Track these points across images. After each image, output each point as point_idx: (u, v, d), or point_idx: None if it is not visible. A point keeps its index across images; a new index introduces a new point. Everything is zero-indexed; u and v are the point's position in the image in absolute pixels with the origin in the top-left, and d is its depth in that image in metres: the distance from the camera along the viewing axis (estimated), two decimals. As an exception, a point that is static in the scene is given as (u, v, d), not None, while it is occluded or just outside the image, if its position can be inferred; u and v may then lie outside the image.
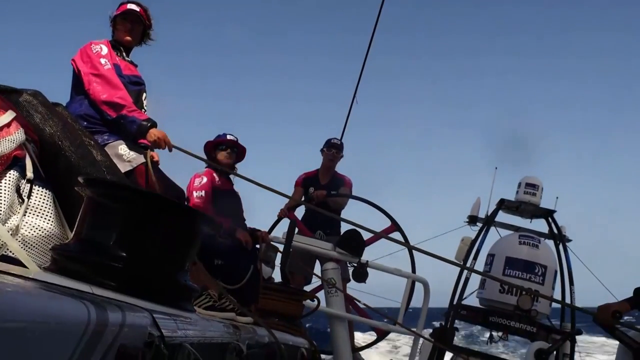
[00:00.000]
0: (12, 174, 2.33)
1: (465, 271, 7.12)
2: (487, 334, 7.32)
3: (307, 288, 6.56)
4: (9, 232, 2.28)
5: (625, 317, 3.75)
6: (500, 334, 7.07)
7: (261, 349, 2.94)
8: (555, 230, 7.54)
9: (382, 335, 6.84)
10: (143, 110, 3.94)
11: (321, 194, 6.52)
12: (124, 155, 3.55)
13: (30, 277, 1.88)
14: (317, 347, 4.74)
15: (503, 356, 9.05)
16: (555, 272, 7.22)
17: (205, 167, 4.94)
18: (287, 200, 6.67)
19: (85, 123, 3.52)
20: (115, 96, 3.61)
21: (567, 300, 7.26)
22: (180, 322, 1.91)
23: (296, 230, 6.25)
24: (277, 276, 5.63)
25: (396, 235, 6.27)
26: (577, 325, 7.19)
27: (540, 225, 7.78)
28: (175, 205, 2.17)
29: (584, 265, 7.54)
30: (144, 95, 4.00)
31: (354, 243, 5.81)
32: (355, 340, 7.00)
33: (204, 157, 4.88)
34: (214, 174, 4.90)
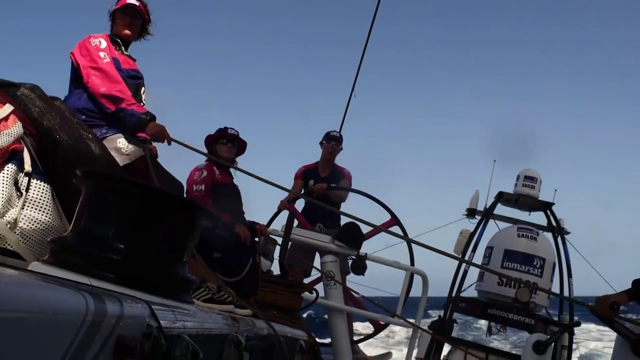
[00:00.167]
0: (10, 167, 2.34)
1: (464, 264, 7.15)
2: (480, 321, 7.37)
3: (307, 281, 6.58)
4: (7, 225, 2.29)
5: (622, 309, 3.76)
6: (498, 326, 7.10)
7: (260, 341, 2.95)
8: (554, 223, 7.56)
9: (381, 327, 6.86)
10: (142, 104, 3.94)
11: (321, 187, 6.52)
12: (122, 149, 3.56)
13: (29, 269, 1.89)
14: (315, 339, 4.75)
15: (500, 347, 9.08)
16: (554, 264, 7.24)
17: (206, 161, 4.94)
18: (294, 187, 6.70)
19: (83, 117, 3.52)
20: (114, 89, 3.60)
21: (566, 292, 7.30)
22: (178, 313, 1.92)
23: (296, 222, 6.27)
24: (276, 269, 5.65)
25: (395, 228, 6.28)
26: (574, 315, 7.23)
27: (539, 217, 7.81)
28: (174, 198, 2.17)
29: (583, 257, 7.57)
30: (143, 89, 4.00)
31: (352, 236, 5.82)
32: (354, 329, 7.02)
33: (203, 150, 4.88)
34: (214, 168, 4.90)
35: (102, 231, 1.94)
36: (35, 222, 2.38)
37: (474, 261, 7.26)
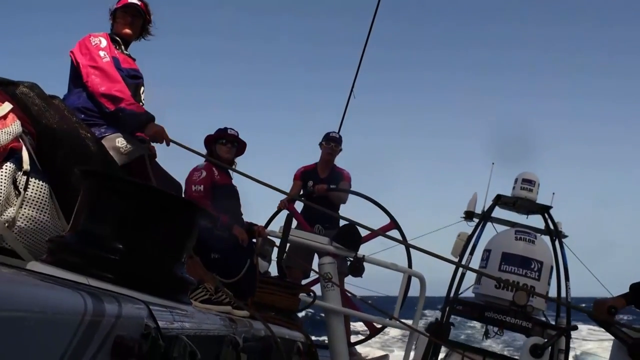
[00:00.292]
0: (8, 166, 2.33)
1: (461, 267, 7.15)
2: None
3: (305, 282, 6.58)
4: (5, 224, 2.29)
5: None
6: (495, 329, 7.10)
7: (257, 342, 2.95)
8: (552, 226, 7.57)
9: (377, 330, 6.86)
10: (141, 103, 3.93)
11: (322, 188, 6.52)
12: (121, 148, 3.55)
13: (27, 268, 1.89)
14: (313, 340, 4.75)
15: (492, 346, 9.09)
16: (551, 267, 7.26)
17: (205, 161, 4.94)
18: (293, 188, 6.70)
19: (82, 116, 3.52)
20: (114, 89, 3.60)
21: (563, 295, 7.30)
22: (176, 314, 1.92)
23: (295, 223, 6.26)
24: (273, 270, 5.64)
25: (394, 231, 6.29)
26: (572, 318, 7.24)
27: (537, 221, 7.82)
28: (173, 199, 2.17)
29: (580, 261, 7.59)
30: (142, 88, 3.99)
31: (350, 237, 5.82)
32: (354, 329, 7.02)
33: (201, 151, 4.88)
34: (213, 168, 4.90)
35: (101, 231, 1.93)
36: (33, 221, 2.37)
37: (471, 263, 7.27)
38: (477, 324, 8.55)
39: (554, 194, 7.83)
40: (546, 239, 7.57)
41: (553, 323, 7.27)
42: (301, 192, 6.78)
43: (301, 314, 6.84)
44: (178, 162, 4.33)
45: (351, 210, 6.77)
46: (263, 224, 6.12)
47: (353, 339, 6.91)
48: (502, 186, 7.91)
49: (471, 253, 7.40)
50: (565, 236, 7.61)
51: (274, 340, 3.06)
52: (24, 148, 2.43)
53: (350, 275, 6.16)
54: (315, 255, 6.18)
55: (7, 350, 1.10)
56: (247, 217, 5.03)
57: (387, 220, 6.38)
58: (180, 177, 4.63)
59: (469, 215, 7.72)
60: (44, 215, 2.42)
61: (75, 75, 3.68)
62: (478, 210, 7.72)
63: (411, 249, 6.23)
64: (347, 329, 6.24)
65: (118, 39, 3.88)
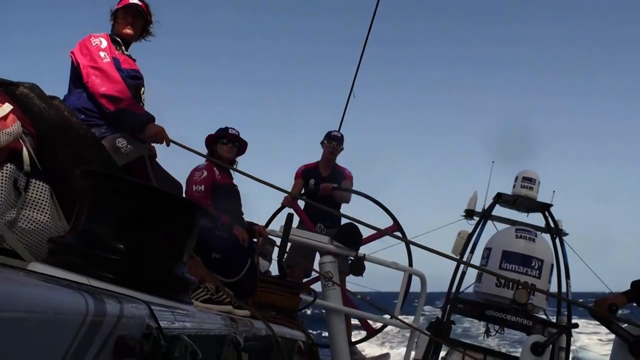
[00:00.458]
0: (9, 167, 2.33)
1: (462, 265, 7.15)
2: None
3: (305, 281, 6.58)
4: (6, 225, 2.29)
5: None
6: (496, 327, 7.11)
7: (258, 342, 2.95)
8: (552, 224, 7.57)
9: (375, 331, 6.88)
10: (141, 104, 3.93)
11: (327, 187, 6.52)
12: (121, 149, 3.55)
13: (28, 269, 1.89)
14: (314, 339, 4.75)
15: (497, 348, 9.10)
16: (552, 265, 7.26)
17: (206, 161, 4.94)
18: (295, 186, 6.70)
19: (82, 116, 3.52)
20: (114, 90, 3.60)
21: (563, 293, 7.31)
22: (177, 314, 1.92)
23: (296, 222, 6.27)
24: (274, 270, 5.64)
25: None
26: (572, 315, 7.24)
27: (537, 219, 7.83)
28: (174, 198, 2.17)
29: (580, 258, 7.59)
30: (143, 89, 3.99)
31: (351, 236, 5.82)
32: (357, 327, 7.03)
33: (202, 151, 4.88)
34: (214, 168, 4.90)
35: (101, 231, 1.93)
36: (34, 222, 2.38)
37: (472, 262, 7.27)
38: (471, 320, 8.57)
39: (554, 192, 7.84)
40: (547, 237, 7.57)
41: (554, 321, 7.28)
42: (302, 191, 6.78)
43: (308, 311, 6.84)
44: (179, 162, 4.34)
45: (352, 209, 6.78)
46: (263, 224, 6.13)
47: (354, 337, 6.92)
48: (502, 184, 7.92)
49: (472, 251, 7.40)
50: (566, 234, 7.61)
51: (275, 340, 3.07)
52: (24, 149, 2.43)
53: (351, 274, 6.17)
54: (317, 254, 6.19)
55: (8, 351, 1.10)
56: (247, 217, 5.04)
57: (388, 219, 6.39)
58: (181, 177, 4.64)
59: (469, 214, 7.72)
60: (45, 216, 2.42)
61: (76, 76, 3.68)
62: (478, 209, 7.72)
63: (412, 247, 6.25)
64: (348, 328, 6.24)
65: (118, 39, 3.88)
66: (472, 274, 7.45)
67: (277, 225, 6.24)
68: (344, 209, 6.70)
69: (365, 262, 5.90)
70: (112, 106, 3.58)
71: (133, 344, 1.47)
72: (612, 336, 3.94)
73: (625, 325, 3.82)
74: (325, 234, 6.24)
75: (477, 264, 7.43)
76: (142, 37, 4.05)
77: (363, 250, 5.99)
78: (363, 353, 7.17)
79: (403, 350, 6.83)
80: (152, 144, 3.82)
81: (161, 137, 3.71)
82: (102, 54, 3.66)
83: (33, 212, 2.39)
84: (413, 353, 6.69)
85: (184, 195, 4.44)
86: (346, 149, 6.91)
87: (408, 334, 6.62)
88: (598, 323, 4.01)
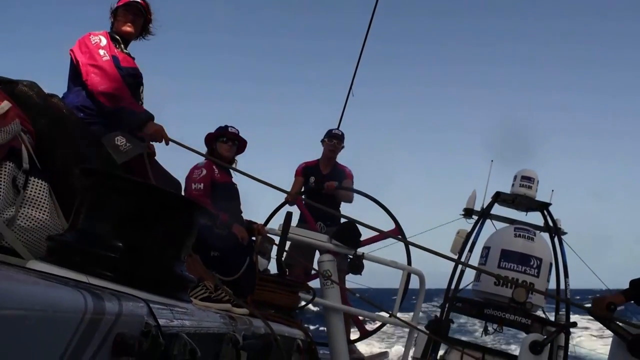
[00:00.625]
0: (8, 165, 2.33)
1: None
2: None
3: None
4: (5, 223, 2.29)
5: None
6: (495, 326, 7.12)
7: (257, 340, 2.95)
8: (551, 223, 7.58)
9: (368, 332, 6.87)
10: (140, 102, 3.93)
11: (332, 185, 6.52)
12: (120, 147, 3.55)
13: (27, 267, 1.89)
14: (313, 338, 4.76)
15: (492, 344, 9.11)
16: (551, 264, 7.26)
17: (205, 159, 4.94)
18: (295, 184, 6.69)
19: (81, 114, 3.52)
20: (113, 88, 3.60)
21: (562, 292, 7.31)
22: (176, 312, 1.92)
23: (296, 221, 6.26)
24: (273, 268, 5.64)
25: (394, 229, 6.29)
26: (571, 313, 7.25)
27: (536, 218, 7.83)
28: (173, 197, 2.17)
29: (579, 257, 7.60)
30: (142, 87, 3.99)
31: (350, 235, 5.82)
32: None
33: (201, 149, 4.88)
34: (214, 166, 4.90)
35: (100, 229, 1.94)
36: (33, 220, 2.38)
37: (471, 261, 7.28)
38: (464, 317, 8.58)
39: (553, 191, 7.84)
40: (545, 236, 7.58)
41: (552, 319, 7.29)
42: (302, 189, 6.78)
43: (314, 308, 6.84)
44: (178, 160, 4.34)
45: (351, 208, 6.78)
46: (262, 222, 6.12)
47: (353, 335, 6.92)
48: (501, 183, 7.92)
49: (470, 250, 7.40)
50: (565, 233, 7.61)
51: (273, 338, 3.07)
52: (23, 147, 2.43)
53: (350, 273, 6.18)
54: (317, 253, 6.19)
55: (7, 349, 1.10)
56: (246, 215, 5.04)
57: (387, 218, 6.38)
58: (180, 175, 4.64)
59: (468, 213, 7.73)
60: (44, 214, 2.42)
61: (75, 74, 3.68)
62: (477, 208, 7.72)
63: (411, 246, 6.25)
64: (347, 326, 6.24)
65: (118, 37, 3.88)
66: (470, 273, 7.46)
67: (276, 223, 6.24)
68: (345, 207, 6.71)
69: (364, 261, 5.90)
70: (111, 104, 3.58)
71: (132, 342, 1.47)
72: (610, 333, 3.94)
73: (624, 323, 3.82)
74: (325, 232, 6.24)
75: (476, 262, 7.44)
76: (142, 35, 4.05)
77: (362, 247, 5.99)
78: (362, 351, 7.18)
79: (402, 348, 6.84)
80: (151, 142, 3.82)
81: (160, 135, 3.71)
82: (101, 52, 3.66)
83: (32, 210, 2.40)
84: (412, 351, 6.70)
85: (183, 194, 4.44)
86: (346, 146, 6.92)
87: (407, 332, 6.63)
88: (591, 318, 4.03)
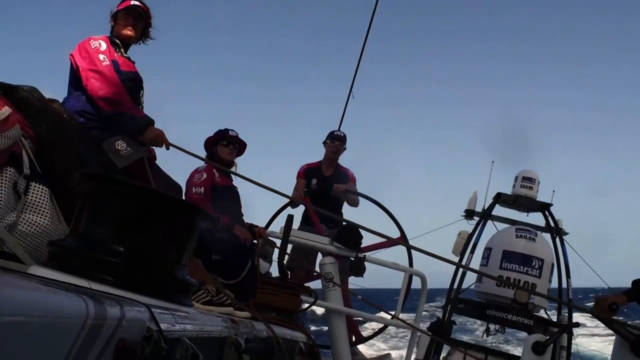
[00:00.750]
0: (9, 171, 2.33)
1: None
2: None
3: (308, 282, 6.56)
4: (6, 228, 2.29)
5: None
6: (497, 326, 7.11)
7: (259, 343, 2.95)
8: (552, 224, 7.57)
9: (363, 339, 6.85)
10: (140, 107, 3.93)
11: (341, 188, 6.51)
12: (121, 151, 3.55)
13: (28, 272, 1.89)
14: (315, 340, 4.75)
15: (490, 343, 9.09)
16: (552, 265, 7.26)
17: (206, 162, 4.95)
18: (297, 185, 6.69)
19: (82, 119, 3.52)
20: (113, 93, 3.60)
21: (564, 292, 7.31)
22: (178, 316, 1.92)
23: (300, 221, 6.25)
24: (274, 271, 5.64)
25: (394, 229, 6.29)
26: (573, 313, 7.25)
27: (537, 218, 7.83)
28: (174, 201, 2.17)
29: (581, 258, 7.60)
30: (142, 92, 3.99)
31: (351, 237, 5.81)
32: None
33: (199, 153, 4.88)
34: (214, 170, 4.90)
35: (102, 234, 1.93)
36: (34, 225, 2.37)
37: (472, 262, 7.28)
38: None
39: (554, 191, 7.85)
40: (547, 236, 7.57)
41: (554, 320, 7.28)
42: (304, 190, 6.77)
43: (320, 311, 6.84)
44: (178, 164, 4.34)
45: (351, 210, 6.77)
46: (263, 225, 6.12)
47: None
48: (502, 184, 7.93)
49: (472, 251, 7.40)
50: (566, 233, 7.61)
51: (276, 341, 3.07)
52: (24, 152, 2.43)
53: (351, 275, 6.16)
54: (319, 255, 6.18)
55: (9, 355, 1.10)
56: (247, 218, 5.04)
57: (390, 222, 6.37)
58: (181, 179, 4.64)
59: (469, 214, 7.73)
60: (45, 219, 2.42)
61: (75, 79, 3.68)
62: (478, 209, 7.72)
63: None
64: (350, 328, 6.23)
65: (118, 41, 3.88)
66: (472, 274, 7.45)
67: (277, 226, 6.24)
68: (346, 210, 6.71)
69: (366, 263, 5.89)
70: (111, 109, 3.58)
71: (134, 347, 1.47)
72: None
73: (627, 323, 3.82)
74: (327, 235, 6.23)
75: (478, 263, 7.44)
76: (142, 39, 4.05)
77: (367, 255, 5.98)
78: (365, 353, 7.16)
79: (404, 350, 6.82)
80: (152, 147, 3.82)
81: (161, 140, 3.71)
82: (101, 56, 3.66)
83: (33, 215, 2.39)
84: (414, 353, 6.69)
85: (183, 198, 4.44)
86: (347, 146, 6.91)
87: (409, 334, 6.62)
88: (590, 315, 4.02)
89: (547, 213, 7.67)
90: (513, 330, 7.42)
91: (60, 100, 3.46)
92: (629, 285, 3.77)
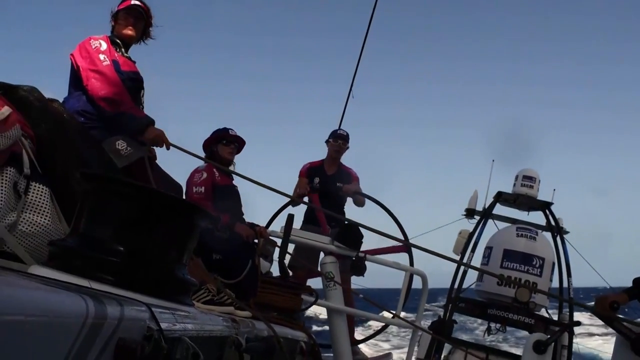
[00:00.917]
0: (9, 171, 2.33)
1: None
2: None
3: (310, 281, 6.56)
4: (6, 228, 2.29)
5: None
6: (498, 325, 7.11)
7: (260, 343, 2.95)
8: (553, 222, 7.57)
9: (357, 342, 6.85)
10: (141, 107, 3.93)
11: (349, 189, 6.51)
12: (121, 151, 3.55)
13: (28, 272, 1.89)
14: (316, 340, 4.75)
15: (492, 343, 9.10)
16: (553, 264, 7.26)
17: (206, 162, 4.95)
18: (299, 184, 6.68)
19: (82, 119, 3.52)
20: (114, 93, 3.60)
21: (565, 291, 7.31)
22: (178, 316, 1.92)
23: (302, 221, 6.24)
24: (275, 270, 5.64)
25: (394, 229, 6.29)
26: (574, 312, 7.25)
27: (538, 217, 7.83)
28: (174, 200, 2.17)
29: (582, 256, 7.59)
30: (142, 91, 3.99)
31: (352, 236, 5.81)
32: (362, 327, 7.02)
33: (199, 152, 4.88)
34: (214, 169, 4.91)
35: (102, 233, 1.93)
36: (34, 225, 2.37)
37: (473, 261, 7.28)
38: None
39: (554, 190, 7.84)
40: (547, 235, 7.57)
41: (555, 319, 7.27)
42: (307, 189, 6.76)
43: (323, 315, 6.84)
44: (178, 163, 4.34)
45: (351, 209, 6.77)
46: (264, 224, 6.12)
47: (357, 336, 6.91)
48: (502, 183, 7.92)
49: (473, 250, 7.40)
50: (567, 232, 7.60)
51: (276, 341, 3.07)
52: (24, 152, 2.43)
53: (352, 274, 6.16)
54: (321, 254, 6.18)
55: (9, 354, 1.10)
56: (247, 218, 5.04)
57: (391, 222, 6.37)
58: (181, 178, 4.64)
59: (470, 213, 7.72)
60: (45, 219, 2.42)
61: (75, 78, 3.68)
62: (479, 208, 7.72)
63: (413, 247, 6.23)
64: (350, 328, 6.23)
65: (118, 41, 3.88)
66: (473, 273, 7.46)
67: (278, 226, 6.23)
68: (347, 209, 6.71)
69: (366, 262, 5.89)
70: (112, 109, 3.58)
71: (134, 346, 1.47)
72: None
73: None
74: (329, 234, 6.23)
75: (479, 262, 7.43)
76: (142, 39, 4.05)
77: (364, 248, 5.98)
78: (366, 353, 7.16)
79: (405, 349, 6.82)
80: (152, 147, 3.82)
81: (161, 140, 3.72)
82: (101, 56, 3.66)
83: (33, 215, 2.39)
84: (415, 352, 6.69)
85: (184, 197, 4.44)
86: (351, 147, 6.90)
87: (410, 333, 6.62)
88: (590, 314, 4.03)
89: (547, 212, 7.66)
90: (511, 330, 7.42)
91: (61, 100, 3.47)
92: (630, 283, 3.76)
